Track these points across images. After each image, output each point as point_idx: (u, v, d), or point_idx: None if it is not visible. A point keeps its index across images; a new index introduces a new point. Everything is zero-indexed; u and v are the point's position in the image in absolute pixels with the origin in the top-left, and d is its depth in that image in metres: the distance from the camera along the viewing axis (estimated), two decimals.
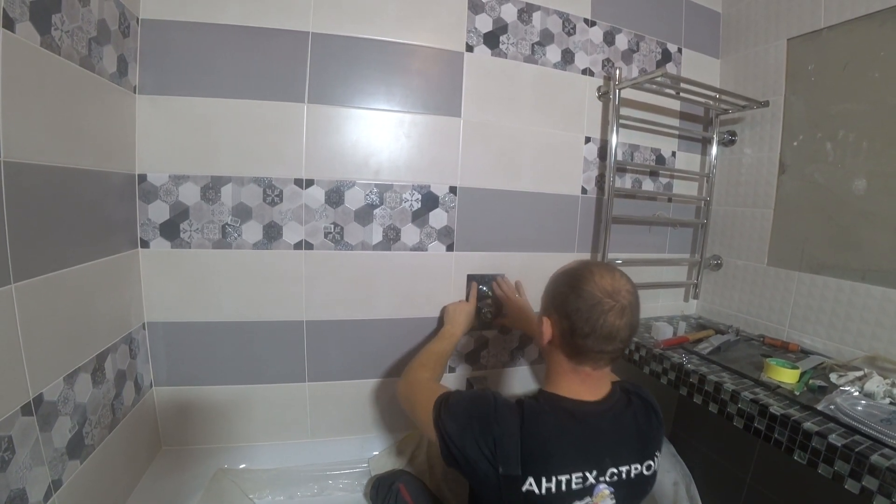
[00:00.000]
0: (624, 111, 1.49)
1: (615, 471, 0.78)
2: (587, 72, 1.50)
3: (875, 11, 1.22)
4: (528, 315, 1.34)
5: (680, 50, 1.64)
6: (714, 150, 1.67)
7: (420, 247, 1.38)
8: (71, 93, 0.88)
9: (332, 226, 1.30)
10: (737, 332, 1.52)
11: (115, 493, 1.06)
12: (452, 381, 1.49)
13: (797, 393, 1.06)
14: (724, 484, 1.46)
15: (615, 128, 1.44)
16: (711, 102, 1.59)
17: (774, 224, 1.50)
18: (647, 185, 1.66)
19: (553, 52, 1.45)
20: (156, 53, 1.14)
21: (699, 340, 1.42)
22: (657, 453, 0.85)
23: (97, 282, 0.98)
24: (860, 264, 1.27)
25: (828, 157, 1.34)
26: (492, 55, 1.38)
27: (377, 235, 1.34)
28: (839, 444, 0.87)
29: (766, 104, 1.48)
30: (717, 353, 1.32)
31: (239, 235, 1.24)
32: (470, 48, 1.36)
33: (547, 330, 0.84)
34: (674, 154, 1.68)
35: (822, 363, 1.24)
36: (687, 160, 1.71)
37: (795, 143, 1.44)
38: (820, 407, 0.98)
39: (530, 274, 1.49)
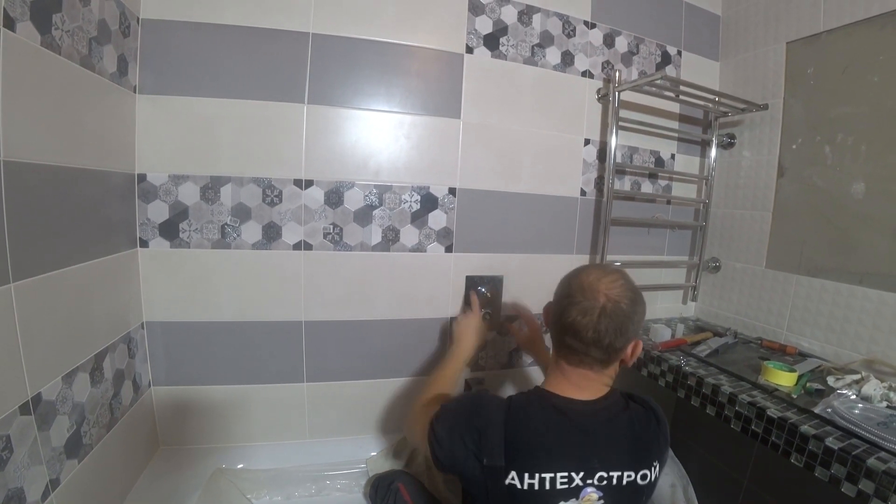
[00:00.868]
0: (623, 113, 1.50)
1: (604, 475, 0.75)
2: (587, 74, 1.50)
3: (874, 15, 1.22)
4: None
5: (679, 52, 1.64)
6: (713, 152, 1.67)
7: (419, 248, 1.38)
8: (71, 92, 0.88)
9: (332, 226, 1.30)
10: (735, 335, 1.52)
11: (113, 492, 1.06)
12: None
13: (794, 396, 1.06)
14: (721, 486, 1.46)
15: (614, 130, 1.44)
16: (711, 105, 1.59)
17: (773, 227, 1.51)
18: (647, 187, 1.66)
19: (553, 54, 1.45)
20: (156, 53, 1.14)
21: (697, 343, 1.42)
22: (655, 463, 0.80)
23: (96, 281, 0.98)
24: (858, 267, 1.27)
25: (826, 161, 1.35)
26: (492, 57, 1.39)
27: (376, 236, 1.34)
28: (836, 448, 0.87)
29: (766, 107, 1.48)
30: (714, 356, 1.33)
31: (238, 235, 1.24)
32: (470, 50, 1.36)
33: (545, 317, 0.88)
34: (673, 156, 1.69)
35: (819, 366, 1.24)
36: (686, 162, 1.72)
37: (794, 147, 1.44)
38: (817, 410, 0.99)
39: (529, 275, 1.49)
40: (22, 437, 0.75)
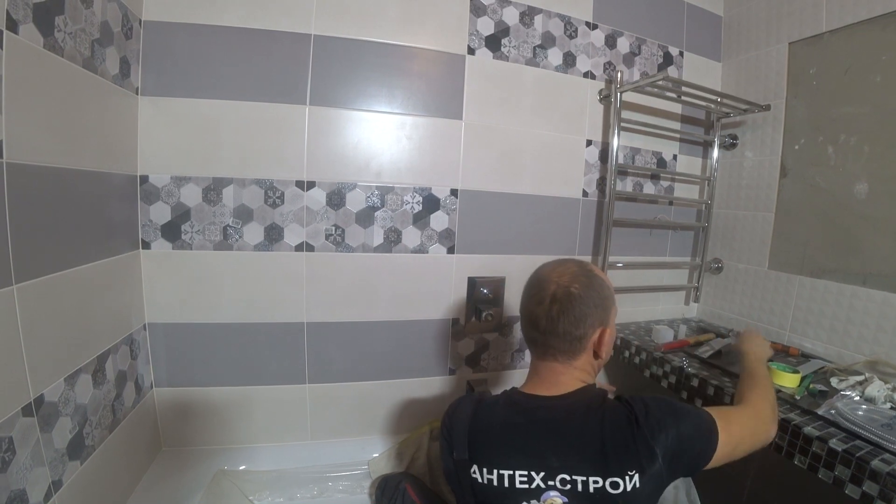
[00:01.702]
0: (625, 114, 1.50)
1: (567, 478, 0.70)
2: (589, 75, 1.50)
3: (877, 16, 1.22)
4: None
5: (681, 53, 1.64)
6: (715, 153, 1.67)
7: (421, 249, 1.38)
8: (73, 94, 0.88)
9: (334, 228, 1.30)
10: (737, 336, 1.51)
11: (115, 493, 1.06)
12: (452, 383, 1.49)
13: (798, 397, 1.05)
14: (724, 488, 1.46)
15: (616, 131, 1.44)
16: (713, 106, 1.59)
17: (775, 228, 1.50)
18: (649, 188, 1.66)
19: (555, 55, 1.45)
20: (158, 55, 1.15)
21: (700, 344, 1.42)
22: (633, 472, 0.69)
23: (98, 283, 0.99)
24: (861, 268, 1.26)
25: (829, 161, 1.34)
26: (493, 58, 1.39)
27: (378, 237, 1.34)
28: (840, 449, 0.86)
29: (768, 108, 1.48)
30: (717, 357, 1.32)
31: (240, 237, 1.24)
32: (472, 51, 1.36)
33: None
34: (675, 157, 1.68)
35: (822, 367, 1.24)
36: (688, 163, 1.71)
37: (797, 147, 1.44)
38: (820, 412, 0.98)
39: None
40: (24, 439, 0.75)
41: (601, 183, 1.55)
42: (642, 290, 1.68)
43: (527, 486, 0.71)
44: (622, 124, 1.47)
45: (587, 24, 1.49)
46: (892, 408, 1.01)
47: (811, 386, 1.11)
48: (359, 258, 1.33)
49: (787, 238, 1.47)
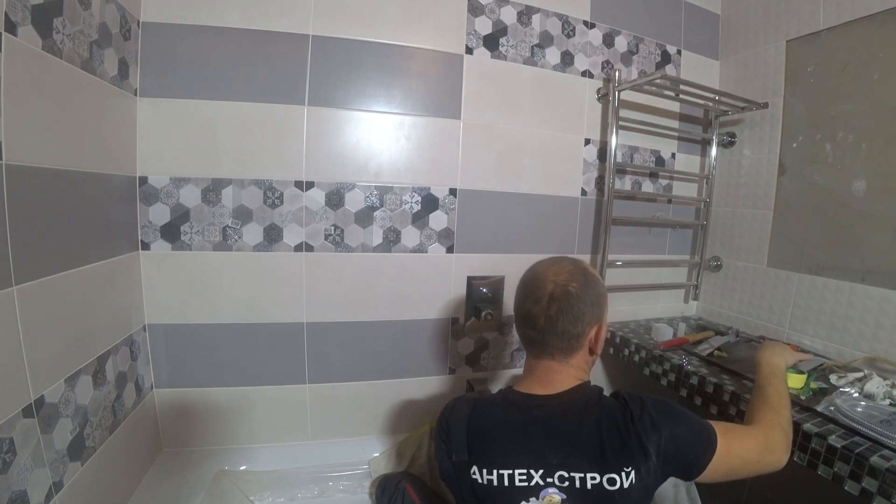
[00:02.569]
0: (623, 113, 1.50)
1: (565, 475, 0.71)
2: (587, 74, 1.50)
3: (875, 13, 1.22)
4: None
5: (679, 52, 1.64)
6: (713, 151, 1.67)
7: (420, 248, 1.38)
8: (72, 96, 0.88)
9: (333, 228, 1.30)
10: (737, 334, 1.52)
11: (115, 494, 1.06)
12: (452, 382, 1.49)
13: (803, 397, 1.05)
14: (724, 484, 1.46)
15: (615, 129, 1.44)
16: (711, 104, 1.59)
17: (774, 225, 1.50)
18: (647, 186, 1.66)
19: (553, 54, 1.45)
20: (157, 56, 1.15)
21: (699, 342, 1.42)
22: (629, 469, 0.70)
23: (98, 284, 0.99)
24: (860, 265, 1.27)
25: (827, 159, 1.34)
26: (491, 57, 1.39)
27: (377, 237, 1.34)
28: (839, 446, 0.87)
29: (766, 106, 1.48)
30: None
31: (239, 237, 1.24)
32: (470, 50, 1.36)
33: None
34: (673, 155, 1.69)
35: (821, 364, 1.24)
36: (686, 162, 1.72)
37: (795, 145, 1.44)
38: (820, 408, 0.98)
39: None
40: (25, 440, 0.75)
41: (600, 182, 1.55)
42: (641, 289, 1.68)
43: (526, 483, 0.72)
44: (620, 123, 1.48)
45: (585, 22, 1.49)
46: (891, 404, 1.02)
47: (812, 384, 1.11)
48: (358, 258, 1.33)
49: (785, 235, 1.47)
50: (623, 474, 0.70)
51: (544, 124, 1.46)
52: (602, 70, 1.52)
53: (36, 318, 0.78)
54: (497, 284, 1.47)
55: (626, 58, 1.56)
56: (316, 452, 1.35)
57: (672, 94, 1.56)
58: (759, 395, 0.91)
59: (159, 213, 1.19)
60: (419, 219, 1.37)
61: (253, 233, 1.25)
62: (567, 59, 1.47)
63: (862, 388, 1.07)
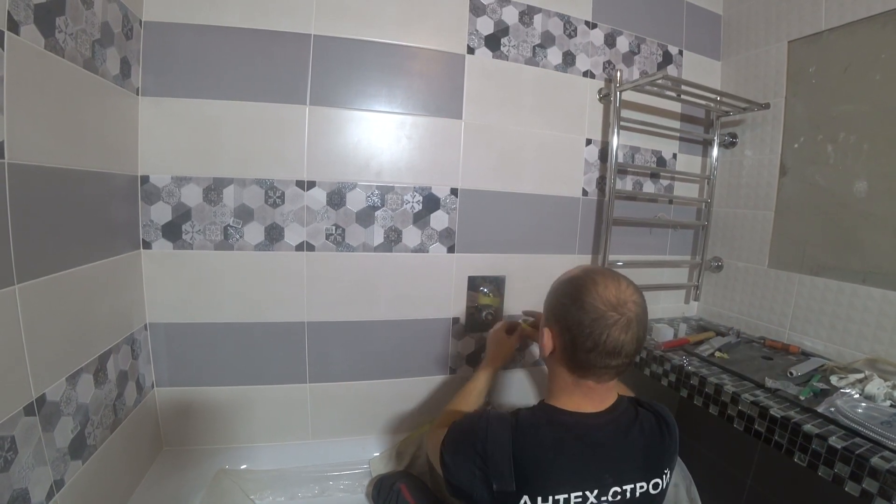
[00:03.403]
0: (625, 113, 1.50)
1: (618, 489, 0.73)
2: (588, 74, 1.50)
3: (876, 14, 1.22)
4: None
5: (681, 52, 1.64)
6: (715, 152, 1.67)
7: (421, 248, 1.38)
8: (74, 95, 0.88)
9: (334, 227, 1.30)
10: (737, 334, 1.52)
11: (116, 493, 1.06)
12: (453, 382, 1.49)
13: (802, 398, 1.05)
14: (724, 486, 1.46)
15: (616, 130, 1.44)
16: (712, 104, 1.59)
17: (775, 226, 1.50)
18: (648, 186, 1.66)
19: (554, 55, 1.45)
20: (158, 55, 1.15)
21: (700, 342, 1.42)
22: (667, 470, 0.78)
23: (100, 283, 0.99)
24: (861, 266, 1.26)
25: (829, 160, 1.34)
26: (493, 57, 1.39)
27: (378, 237, 1.34)
28: (839, 447, 0.87)
29: (767, 106, 1.48)
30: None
31: (241, 237, 1.24)
32: (471, 50, 1.36)
33: (548, 342, 0.79)
34: (675, 156, 1.69)
35: (822, 365, 1.24)
36: (688, 162, 1.72)
37: (796, 146, 1.44)
38: (820, 409, 0.98)
39: (531, 276, 1.49)
40: (26, 438, 0.75)
41: (601, 182, 1.55)
42: (642, 289, 1.67)
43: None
44: (622, 123, 1.48)
45: (586, 23, 1.49)
46: (891, 405, 1.02)
47: (813, 384, 1.11)
48: (359, 258, 1.33)
49: (786, 236, 1.47)
50: (664, 476, 0.77)
51: (546, 124, 1.46)
52: (603, 70, 1.52)
53: (37, 316, 0.78)
54: (498, 284, 1.47)
55: (628, 58, 1.56)
56: (316, 452, 1.36)
57: (673, 94, 1.56)
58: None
59: (161, 213, 1.19)
60: (420, 218, 1.37)
61: (254, 232, 1.25)
62: (569, 60, 1.47)
63: (863, 390, 1.07)
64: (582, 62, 1.49)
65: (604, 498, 0.72)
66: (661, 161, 1.66)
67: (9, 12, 0.69)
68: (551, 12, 1.44)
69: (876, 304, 1.22)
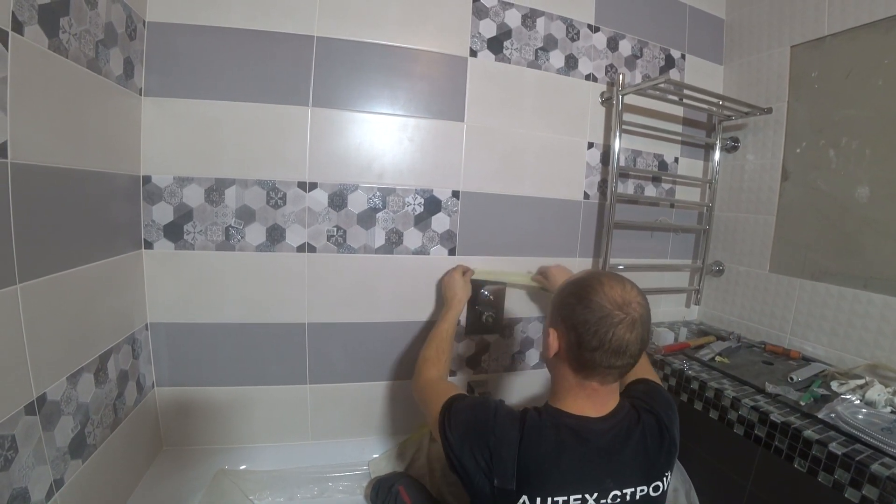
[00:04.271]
0: (627, 117, 1.50)
1: (618, 493, 0.73)
2: (590, 77, 1.50)
3: (879, 19, 1.22)
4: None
5: (683, 56, 1.64)
6: (717, 156, 1.67)
7: (422, 251, 1.38)
8: (78, 95, 0.89)
9: (335, 229, 1.30)
10: (738, 339, 1.51)
11: (116, 492, 1.06)
12: (452, 384, 1.49)
13: (803, 403, 1.05)
14: (724, 490, 1.46)
15: (618, 133, 1.44)
16: (714, 109, 1.59)
17: (777, 231, 1.50)
18: (650, 190, 1.66)
19: (556, 58, 1.46)
20: (162, 56, 1.15)
21: (700, 347, 1.42)
22: (667, 473, 0.79)
23: (101, 282, 0.99)
24: (862, 272, 1.26)
25: (831, 164, 1.34)
26: (495, 60, 1.39)
27: (380, 239, 1.34)
28: (839, 453, 0.87)
29: (769, 111, 1.48)
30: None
31: (242, 237, 1.24)
32: (474, 53, 1.36)
33: (553, 342, 0.79)
34: (676, 160, 1.69)
35: (823, 371, 1.24)
36: (689, 166, 1.71)
37: (798, 150, 1.44)
38: (821, 415, 0.98)
39: None
40: (27, 438, 0.75)
41: (602, 185, 1.55)
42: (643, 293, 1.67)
43: None
44: (623, 127, 1.47)
45: (589, 26, 1.49)
46: (892, 412, 1.01)
47: (813, 390, 1.11)
48: (360, 259, 1.33)
49: (788, 241, 1.47)
50: (664, 479, 0.78)
51: (548, 127, 1.46)
52: (606, 74, 1.52)
53: (39, 315, 0.78)
54: (498, 287, 1.46)
55: (630, 62, 1.56)
56: (316, 452, 1.36)
57: (676, 98, 1.56)
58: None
59: (162, 213, 1.19)
60: (422, 221, 1.37)
61: (255, 233, 1.25)
62: (571, 63, 1.47)
63: (863, 396, 1.07)
64: (584, 66, 1.49)
65: (603, 501, 0.73)
66: (662, 165, 1.66)
67: (13, 13, 0.70)
68: (554, 16, 1.44)
69: (877, 310, 1.22)
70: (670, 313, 1.77)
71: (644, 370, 0.99)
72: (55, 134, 0.82)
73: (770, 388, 1.12)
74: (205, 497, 1.15)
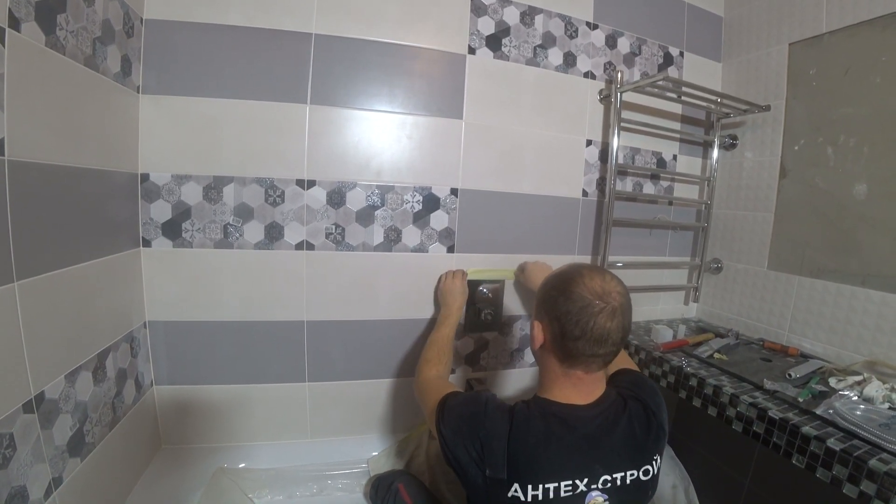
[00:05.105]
0: (625, 114, 1.50)
1: (608, 478, 0.75)
2: (589, 75, 1.50)
3: (877, 17, 1.22)
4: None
5: (682, 53, 1.64)
6: (715, 153, 1.67)
7: (421, 248, 1.38)
8: (75, 92, 0.88)
9: (334, 226, 1.30)
10: (736, 336, 1.52)
11: (115, 490, 1.06)
12: (453, 382, 1.49)
13: (801, 400, 1.05)
14: (722, 487, 1.46)
15: (616, 131, 1.44)
16: (713, 106, 1.59)
17: (775, 228, 1.50)
18: (648, 188, 1.66)
19: (555, 55, 1.45)
20: (159, 53, 1.15)
21: (699, 344, 1.42)
22: (656, 457, 0.81)
23: (99, 280, 0.99)
24: (860, 269, 1.27)
25: (829, 162, 1.34)
26: (494, 58, 1.39)
27: (378, 236, 1.34)
28: (837, 449, 0.87)
29: (768, 108, 1.48)
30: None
31: (240, 235, 1.24)
32: (472, 51, 1.36)
33: (538, 334, 0.82)
34: (675, 157, 1.69)
35: (821, 367, 1.24)
36: (688, 164, 1.72)
37: (796, 148, 1.44)
38: (819, 411, 0.99)
39: None
40: (25, 436, 0.75)
41: (601, 183, 1.55)
42: (642, 290, 1.68)
43: (571, 493, 0.74)
44: (622, 124, 1.47)
45: (588, 24, 1.49)
46: (889, 408, 1.02)
47: (811, 386, 1.11)
48: (359, 257, 1.33)
49: (786, 238, 1.47)
50: (654, 463, 0.80)
51: (546, 125, 1.46)
52: (604, 71, 1.52)
53: (37, 314, 0.78)
54: (497, 284, 1.46)
55: (629, 59, 1.56)
56: (315, 451, 1.36)
57: (674, 95, 1.56)
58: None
59: (161, 211, 1.19)
60: (420, 218, 1.37)
61: (254, 231, 1.25)
62: (569, 60, 1.47)
63: (861, 392, 1.07)
64: (583, 63, 1.49)
65: (594, 486, 0.75)
66: (661, 162, 1.66)
67: (10, 9, 0.69)
68: (552, 13, 1.44)
69: (875, 307, 1.22)
70: (669, 310, 1.78)
71: (624, 362, 1.04)
72: (52, 131, 0.82)
73: (768, 384, 1.12)
74: (204, 495, 1.15)
